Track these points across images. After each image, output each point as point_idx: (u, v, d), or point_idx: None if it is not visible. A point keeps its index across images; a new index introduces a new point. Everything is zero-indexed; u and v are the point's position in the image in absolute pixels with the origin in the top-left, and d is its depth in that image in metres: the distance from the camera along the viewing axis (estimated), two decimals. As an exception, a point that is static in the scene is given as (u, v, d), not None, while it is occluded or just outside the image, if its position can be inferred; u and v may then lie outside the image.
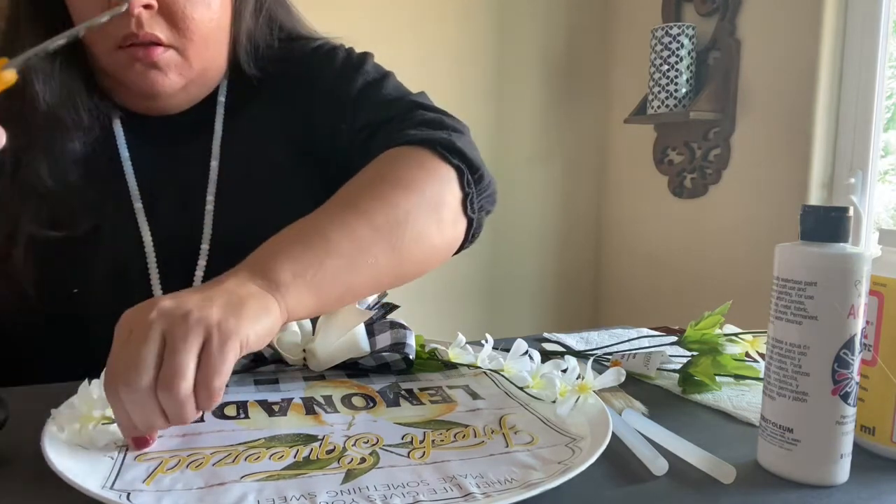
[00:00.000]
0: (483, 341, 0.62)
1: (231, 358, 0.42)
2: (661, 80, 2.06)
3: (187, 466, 0.41)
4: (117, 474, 0.40)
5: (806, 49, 1.83)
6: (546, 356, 0.66)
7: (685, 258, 2.25)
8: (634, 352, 0.70)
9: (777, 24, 1.91)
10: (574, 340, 0.80)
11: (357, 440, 0.46)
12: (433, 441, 0.46)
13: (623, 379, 0.52)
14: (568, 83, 2.52)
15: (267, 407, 0.52)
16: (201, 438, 0.46)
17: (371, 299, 0.62)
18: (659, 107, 2.08)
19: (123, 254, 0.69)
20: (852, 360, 0.41)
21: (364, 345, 0.60)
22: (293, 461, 0.42)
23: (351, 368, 0.62)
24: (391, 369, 0.61)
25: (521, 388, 0.56)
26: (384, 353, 0.60)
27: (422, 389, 0.57)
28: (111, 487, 0.38)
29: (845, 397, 0.42)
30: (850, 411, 0.42)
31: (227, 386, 0.56)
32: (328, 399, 0.54)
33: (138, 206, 0.70)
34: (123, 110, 0.73)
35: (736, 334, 0.66)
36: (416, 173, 0.62)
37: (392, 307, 0.64)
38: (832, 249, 0.42)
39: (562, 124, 2.52)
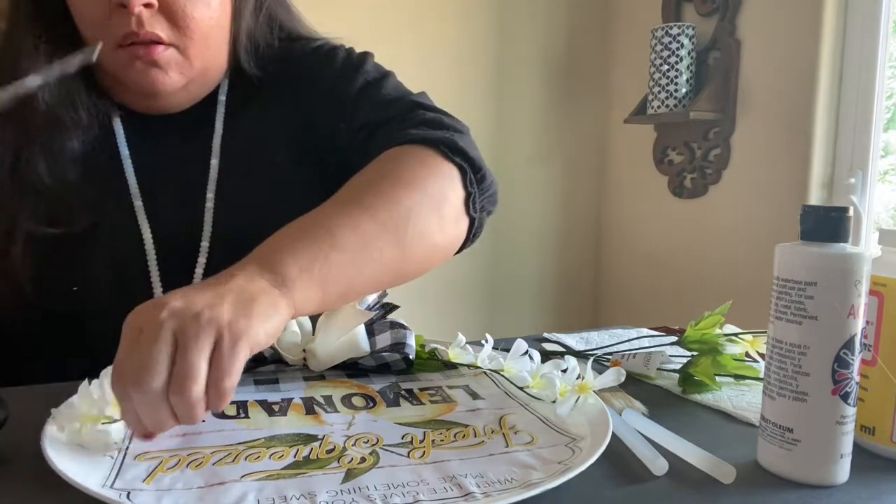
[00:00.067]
0: (483, 341, 0.62)
1: (242, 358, 0.42)
2: (661, 80, 2.06)
3: (187, 466, 0.41)
4: (117, 474, 0.40)
5: (806, 49, 1.83)
6: (546, 356, 0.66)
7: (685, 258, 2.25)
8: (634, 352, 0.70)
9: (777, 24, 1.91)
10: (574, 340, 0.80)
11: (357, 440, 0.46)
12: (433, 441, 0.46)
13: (623, 379, 0.52)
14: (568, 83, 2.52)
15: (267, 407, 0.52)
16: (201, 438, 0.46)
17: (371, 299, 0.62)
18: (659, 107, 2.08)
19: (123, 251, 0.69)
20: (852, 360, 0.41)
21: (364, 345, 0.60)
22: (293, 461, 0.42)
23: (351, 368, 0.62)
24: (391, 369, 0.61)
25: (521, 388, 0.56)
26: (384, 353, 0.60)
27: (422, 389, 0.57)
28: (111, 486, 0.38)
29: (845, 397, 0.42)
30: (850, 411, 0.42)
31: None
32: (328, 399, 0.54)
33: (138, 203, 0.70)
34: (123, 109, 0.73)
35: (736, 334, 0.66)
36: (419, 171, 0.62)
37: (392, 307, 0.64)
38: (832, 249, 0.42)
39: (562, 124, 2.52)
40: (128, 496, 0.37)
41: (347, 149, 0.72)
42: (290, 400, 0.54)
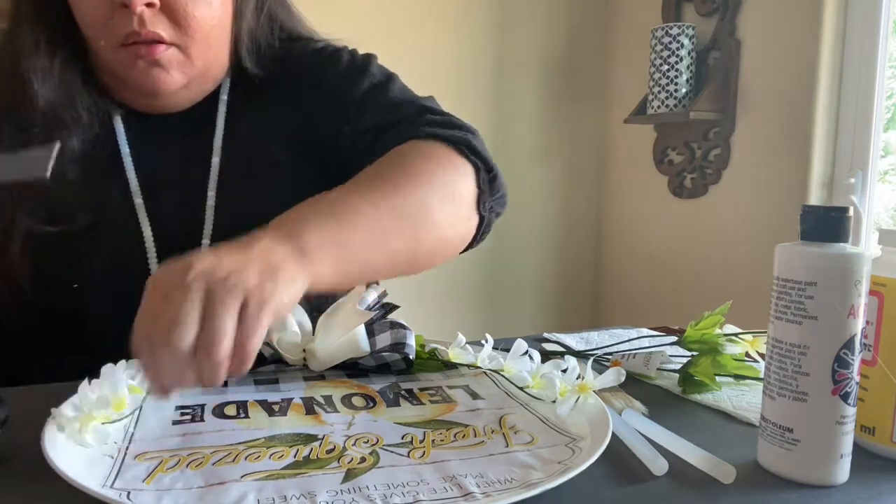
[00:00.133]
0: (483, 341, 0.62)
1: (266, 323, 0.43)
2: (661, 80, 2.06)
3: (187, 466, 0.41)
4: (117, 473, 0.40)
5: (806, 49, 1.83)
6: (546, 356, 0.66)
7: (685, 258, 2.25)
8: (634, 352, 0.70)
9: (777, 24, 1.91)
10: (574, 340, 0.80)
11: (357, 440, 0.46)
12: (433, 441, 0.46)
13: (623, 379, 0.52)
14: (568, 83, 2.52)
15: (267, 407, 0.52)
16: (201, 438, 0.46)
17: (371, 299, 0.62)
18: (659, 107, 2.08)
19: (123, 249, 0.69)
20: (852, 360, 0.41)
21: (364, 345, 0.60)
22: (293, 461, 0.42)
23: (351, 368, 0.62)
24: (391, 369, 0.61)
25: (521, 388, 0.56)
26: (384, 353, 0.60)
27: (422, 389, 0.57)
28: (111, 486, 0.38)
29: (845, 397, 0.42)
30: (850, 411, 0.42)
31: (227, 385, 0.56)
32: (328, 399, 0.54)
33: (139, 202, 0.71)
34: (124, 108, 0.73)
35: (736, 334, 0.66)
36: (434, 164, 0.63)
37: (392, 307, 0.64)
38: (832, 249, 0.42)
39: (562, 124, 2.52)
40: (128, 496, 0.37)
41: (351, 150, 0.72)
42: (290, 400, 0.54)
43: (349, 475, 0.40)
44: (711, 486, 0.42)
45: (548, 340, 0.80)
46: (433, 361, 0.63)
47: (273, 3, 0.78)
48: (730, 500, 0.41)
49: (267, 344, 0.59)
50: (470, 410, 0.52)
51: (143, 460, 0.42)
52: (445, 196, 0.63)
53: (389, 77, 0.77)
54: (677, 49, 2.03)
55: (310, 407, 0.52)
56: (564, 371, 0.54)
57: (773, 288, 0.44)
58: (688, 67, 2.05)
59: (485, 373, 0.61)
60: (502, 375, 0.59)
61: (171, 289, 0.42)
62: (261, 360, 0.61)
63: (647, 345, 0.77)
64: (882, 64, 1.75)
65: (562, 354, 0.67)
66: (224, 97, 0.76)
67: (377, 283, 0.74)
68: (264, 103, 0.76)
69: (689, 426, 0.52)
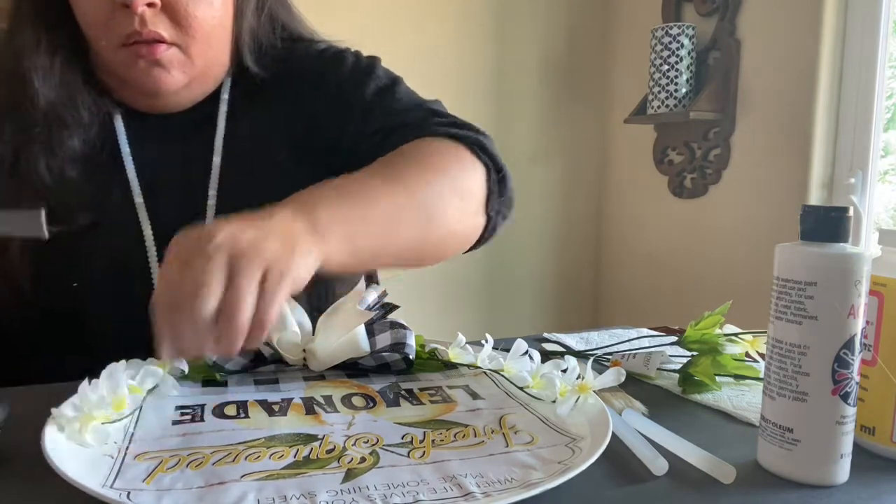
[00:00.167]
0: (483, 341, 0.62)
1: (284, 294, 0.44)
2: (661, 80, 2.06)
3: (187, 466, 0.41)
4: (117, 473, 0.40)
5: (806, 49, 1.83)
6: (546, 356, 0.66)
7: (685, 258, 2.25)
8: (634, 352, 0.70)
9: (777, 24, 1.91)
10: (574, 340, 0.80)
11: (357, 440, 0.46)
12: (433, 441, 0.46)
13: (623, 379, 0.52)
14: (568, 83, 2.52)
15: (267, 407, 0.52)
16: (201, 438, 0.46)
17: (371, 299, 0.62)
18: (659, 107, 2.08)
19: (123, 249, 0.69)
20: (852, 360, 0.41)
21: (364, 345, 0.60)
22: (293, 461, 0.42)
23: (351, 368, 0.62)
24: (391, 369, 0.61)
25: (521, 388, 0.56)
26: (384, 353, 0.60)
27: (422, 389, 0.57)
28: (111, 486, 0.38)
29: (845, 397, 0.42)
30: (850, 411, 0.42)
31: (226, 385, 0.56)
32: (328, 399, 0.54)
33: (139, 201, 0.71)
34: (124, 107, 0.73)
35: (736, 334, 0.66)
36: (447, 159, 0.65)
37: (392, 307, 0.64)
38: (832, 249, 0.42)
39: (562, 124, 2.52)
40: (128, 496, 0.37)
41: (355, 151, 0.72)
42: (290, 400, 0.54)
43: (349, 475, 0.40)
44: (711, 486, 0.42)
45: (548, 340, 0.80)
46: (433, 361, 0.63)
47: (274, 4, 0.78)
48: (730, 500, 0.41)
49: (267, 344, 0.59)
50: (470, 410, 0.52)
51: (143, 460, 0.42)
52: (456, 191, 0.64)
53: (395, 80, 0.77)
54: (677, 49, 2.03)
55: (310, 407, 0.52)
56: (564, 371, 0.54)
57: (773, 288, 0.44)
58: (688, 67, 2.05)
59: (485, 373, 0.61)
60: (502, 375, 0.59)
61: (193, 256, 0.43)
62: (261, 359, 0.61)
63: (647, 345, 0.77)
64: (882, 64, 1.75)
65: (562, 354, 0.67)
66: (225, 97, 0.76)
67: (377, 283, 0.75)
68: (266, 103, 0.76)
69: (689, 426, 0.52)
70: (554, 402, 0.52)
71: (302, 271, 0.46)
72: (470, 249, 0.71)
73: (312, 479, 0.40)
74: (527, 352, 0.59)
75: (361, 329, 0.60)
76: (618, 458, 0.45)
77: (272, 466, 0.41)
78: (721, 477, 0.42)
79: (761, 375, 0.60)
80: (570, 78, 2.52)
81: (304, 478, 0.40)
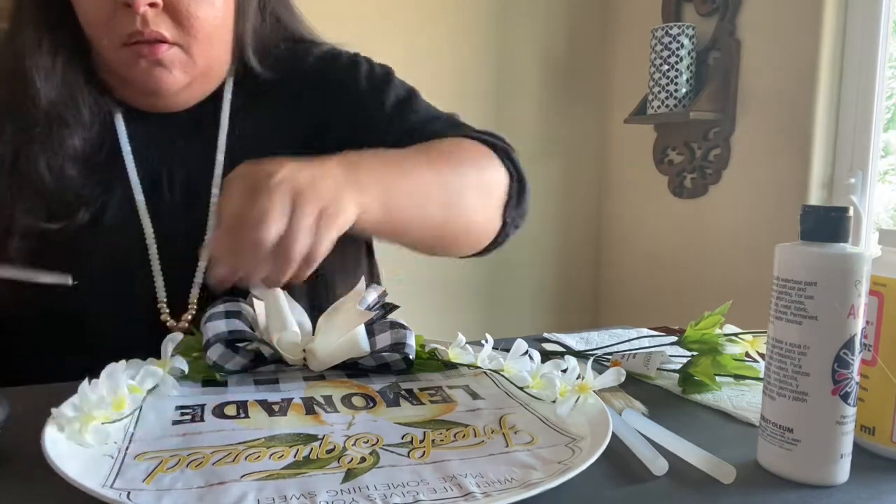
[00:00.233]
0: (483, 341, 0.62)
1: (336, 233, 0.48)
2: (661, 80, 2.06)
3: (187, 466, 0.41)
4: (117, 473, 0.40)
5: (806, 49, 1.83)
6: (546, 356, 0.66)
7: (685, 258, 2.25)
8: (634, 352, 0.70)
9: (777, 24, 1.91)
10: (574, 340, 0.80)
11: (357, 440, 0.46)
12: (433, 441, 0.46)
13: (623, 379, 0.52)
14: (568, 83, 2.52)
15: (267, 407, 0.52)
16: (201, 438, 0.46)
17: (371, 299, 0.62)
18: (659, 107, 2.08)
19: (124, 247, 0.69)
20: (852, 360, 0.41)
21: (364, 345, 0.60)
22: (293, 460, 0.42)
23: (351, 368, 0.62)
24: (391, 369, 0.61)
25: (521, 388, 0.56)
26: (384, 353, 0.60)
27: (422, 389, 0.57)
28: (111, 486, 0.38)
29: (845, 397, 0.42)
30: (850, 411, 0.42)
31: (226, 385, 0.56)
32: (328, 399, 0.54)
33: (140, 199, 0.71)
34: (126, 107, 0.74)
35: (736, 334, 0.66)
36: (477, 156, 0.68)
37: (392, 307, 0.64)
38: (832, 249, 0.42)
39: (562, 124, 2.52)
40: (128, 496, 0.37)
41: None
42: (290, 400, 0.54)
43: (349, 475, 0.40)
44: (711, 486, 0.42)
45: (548, 340, 0.80)
46: (433, 361, 0.63)
47: (275, 3, 0.78)
48: (730, 500, 0.41)
49: (267, 344, 0.59)
50: (470, 410, 0.52)
51: (143, 460, 0.42)
52: (481, 186, 0.67)
53: (412, 91, 0.79)
54: (677, 49, 2.03)
55: (310, 407, 0.52)
56: (564, 371, 0.54)
57: (773, 288, 0.44)
58: (688, 67, 2.05)
59: (485, 373, 0.61)
60: (502, 375, 0.59)
61: (258, 189, 0.47)
62: (261, 359, 0.61)
63: (647, 345, 0.77)
64: (882, 64, 1.75)
65: (562, 354, 0.67)
66: (228, 96, 0.76)
67: (378, 283, 0.75)
68: (269, 103, 0.76)
69: (689, 426, 0.52)
70: (554, 402, 0.52)
71: (349, 216, 0.50)
72: (478, 254, 0.73)
73: (312, 479, 0.40)
74: (527, 352, 0.59)
75: (361, 329, 0.60)
76: (618, 458, 0.45)
77: (272, 466, 0.41)
78: (721, 477, 0.42)
79: (761, 375, 0.60)
80: (570, 78, 2.52)
81: (304, 478, 0.40)
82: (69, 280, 0.58)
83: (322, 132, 0.75)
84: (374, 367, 0.61)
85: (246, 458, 0.43)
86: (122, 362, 0.51)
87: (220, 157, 0.73)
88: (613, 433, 0.46)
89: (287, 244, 0.46)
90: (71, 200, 0.68)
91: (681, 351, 0.69)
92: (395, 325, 0.61)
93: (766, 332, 0.45)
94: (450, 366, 0.63)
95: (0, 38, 0.71)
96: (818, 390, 0.42)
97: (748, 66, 1.99)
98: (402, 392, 0.56)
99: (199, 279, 0.70)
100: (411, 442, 0.46)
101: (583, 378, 0.52)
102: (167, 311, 0.69)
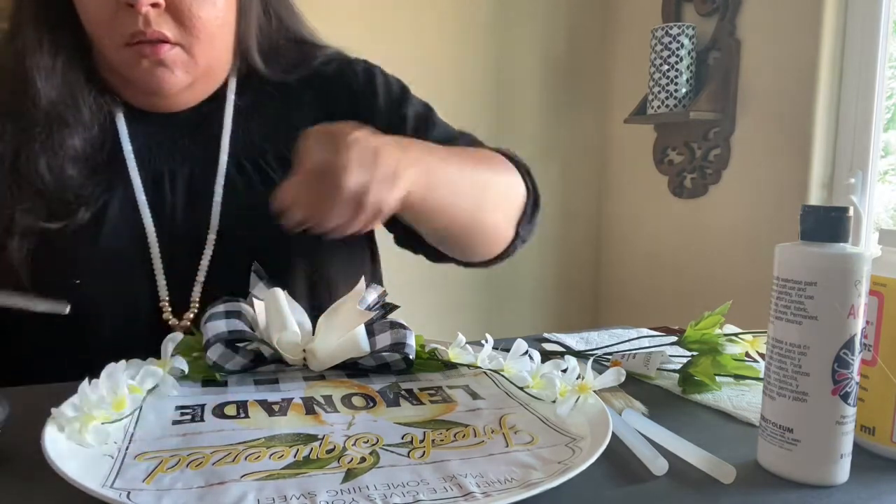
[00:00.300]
0: (483, 341, 0.62)
1: (399, 195, 0.54)
2: (661, 80, 2.06)
3: (187, 465, 0.41)
4: (117, 473, 0.40)
5: (806, 49, 1.83)
6: (546, 356, 0.66)
7: (685, 258, 2.25)
8: (634, 352, 0.70)
9: (777, 24, 1.90)
10: (574, 340, 0.80)
11: (357, 440, 0.46)
12: (433, 441, 0.46)
13: (623, 379, 0.52)
14: (568, 83, 2.52)
15: (267, 407, 0.52)
16: (201, 438, 0.46)
17: (371, 299, 0.62)
18: (659, 107, 2.08)
19: (125, 246, 0.69)
20: (852, 360, 0.41)
21: (364, 345, 0.60)
22: (293, 460, 0.42)
23: (351, 368, 0.62)
24: (391, 369, 0.61)
25: (521, 388, 0.56)
26: (384, 353, 0.60)
27: (422, 389, 0.57)
28: (111, 486, 0.38)
29: (845, 397, 0.42)
30: (850, 411, 0.42)
31: (226, 385, 0.56)
32: (328, 399, 0.54)
33: (142, 198, 0.71)
34: (127, 106, 0.74)
35: (736, 334, 0.66)
36: (502, 166, 0.72)
37: (392, 307, 0.64)
38: (832, 249, 0.42)
39: (562, 124, 2.52)
40: (128, 496, 0.37)
41: None
42: (290, 400, 0.54)
43: (349, 475, 0.40)
44: (711, 486, 0.42)
45: (548, 340, 0.80)
46: (433, 361, 0.63)
47: (277, 4, 0.78)
48: (730, 500, 0.41)
49: (267, 344, 0.59)
50: (470, 410, 0.52)
51: (143, 460, 0.42)
52: (507, 193, 0.71)
53: (429, 108, 0.81)
54: (677, 49, 2.03)
55: (310, 407, 0.52)
56: (564, 371, 0.54)
57: (773, 288, 0.44)
58: (688, 67, 2.05)
59: (485, 373, 0.61)
60: (502, 375, 0.59)
61: (339, 143, 0.52)
62: (261, 359, 0.61)
63: (647, 345, 0.77)
64: (882, 64, 1.75)
65: (562, 354, 0.67)
66: (231, 96, 0.76)
67: (379, 284, 0.75)
68: (272, 104, 0.77)
69: (689, 426, 0.52)
70: (554, 402, 0.52)
71: (407, 183, 0.55)
72: (483, 264, 0.75)
73: (312, 479, 0.40)
74: (527, 352, 0.59)
75: (361, 329, 0.60)
76: (618, 458, 0.45)
77: (272, 466, 0.41)
78: (721, 477, 0.42)
79: (761, 375, 0.60)
80: (570, 78, 2.51)
81: (304, 478, 0.40)
82: (66, 309, 0.59)
83: None
84: (374, 367, 0.61)
85: (246, 458, 0.43)
86: (122, 362, 0.51)
87: (224, 156, 0.73)
88: (613, 433, 0.46)
89: (364, 193, 0.51)
90: (71, 200, 0.68)
91: (681, 351, 0.69)
92: (395, 325, 0.61)
93: (766, 332, 0.45)
94: (450, 366, 0.63)
95: (0, 38, 0.71)
96: (818, 390, 0.42)
97: (748, 66, 1.99)
98: (402, 392, 0.56)
99: (200, 278, 0.70)
100: (411, 442, 0.46)
101: (583, 378, 0.52)
102: (170, 309, 0.69)
